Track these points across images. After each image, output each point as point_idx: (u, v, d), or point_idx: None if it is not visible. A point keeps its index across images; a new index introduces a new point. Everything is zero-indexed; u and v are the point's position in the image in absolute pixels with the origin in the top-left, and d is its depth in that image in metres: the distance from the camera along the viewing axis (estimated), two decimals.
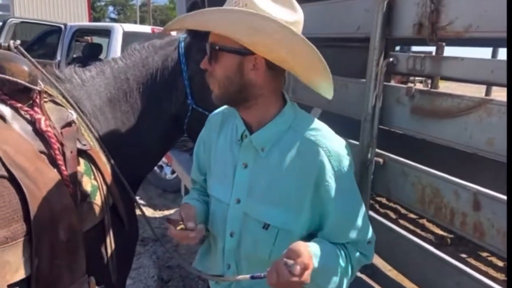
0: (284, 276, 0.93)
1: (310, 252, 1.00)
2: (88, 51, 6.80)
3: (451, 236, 2.56)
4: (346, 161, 1.11)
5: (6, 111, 1.30)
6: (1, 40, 5.95)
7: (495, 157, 1.16)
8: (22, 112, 1.33)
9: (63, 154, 1.34)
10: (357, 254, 1.15)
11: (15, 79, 1.30)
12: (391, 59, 1.52)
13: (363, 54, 1.63)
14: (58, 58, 6.46)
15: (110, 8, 39.77)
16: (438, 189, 1.36)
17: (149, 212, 4.53)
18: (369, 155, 1.57)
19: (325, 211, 1.11)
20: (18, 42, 1.43)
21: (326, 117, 1.53)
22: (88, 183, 1.40)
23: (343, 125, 1.50)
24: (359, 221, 1.13)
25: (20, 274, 1.16)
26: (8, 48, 1.41)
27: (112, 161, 1.55)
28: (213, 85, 1.14)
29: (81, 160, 1.41)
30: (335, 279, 1.09)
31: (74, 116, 1.44)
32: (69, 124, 1.41)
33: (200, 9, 1.07)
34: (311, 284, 1.05)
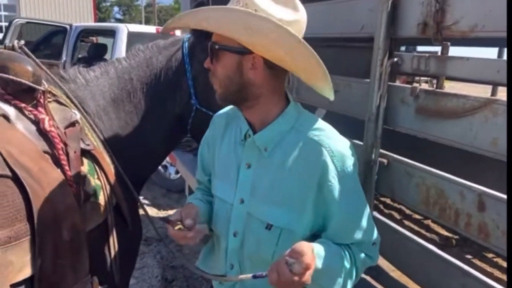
0: (284, 275, 0.93)
1: (314, 252, 1.00)
2: (93, 51, 6.82)
3: (456, 237, 2.55)
4: (349, 161, 1.11)
5: (10, 111, 1.30)
6: (7, 40, 5.99)
7: (500, 158, 1.15)
8: (26, 112, 1.33)
9: (67, 154, 1.34)
10: (362, 255, 1.14)
11: (19, 79, 1.31)
12: (395, 59, 1.51)
13: (367, 54, 1.62)
14: (64, 58, 6.48)
15: (116, 8, 39.94)
16: (442, 190, 1.35)
17: (153, 212, 4.54)
18: (373, 156, 1.56)
19: (329, 212, 1.11)
20: (23, 42, 1.44)
21: (330, 117, 1.52)
22: (91, 183, 1.41)
23: (347, 125, 1.50)
24: (364, 222, 1.13)
25: (23, 274, 1.16)
26: (13, 48, 1.41)
27: (116, 161, 1.55)
28: (215, 84, 1.14)
29: (85, 160, 1.41)
30: (339, 281, 1.08)
31: (77, 116, 1.45)
32: (72, 124, 1.41)
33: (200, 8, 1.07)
34: (315, 285, 1.05)
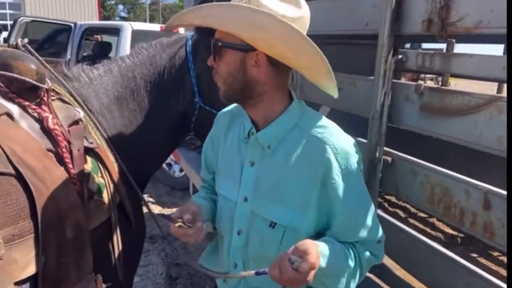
0: (287, 273, 0.93)
1: (318, 251, 0.99)
2: (98, 50, 6.84)
3: (461, 235, 2.53)
4: (353, 159, 1.10)
5: (14, 109, 1.30)
6: (12, 38, 6.02)
7: (506, 155, 1.14)
8: (30, 110, 1.33)
9: (70, 152, 1.34)
10: (367, 253, 1.13)
11: (22, 78, 1.31)
12: (400, 56, 1.50)
13: (371, 51, 1.61)
14: (68, 56, 6.50)
15: (120, 6, 40.01)
16: (447, 188, 1.34)
17: (157, 209, 4.55)
18: (377, 154, 1.55)
19: (333, 210, 1.10)
20: (26, 40, 1.44)
21: (334, 115, 1.52)
22: (95, 181, 1.41)
23: (351, 123, 1.49)
24: (368, 220, 1.12)
25: (28, 272, 1.16)
26: (16, 47, 1.41)
27: (119, 159, 1.55)
28: (218, 82, 1.14)
29: (88, 158, 1.41)
30: (343, 280, 1.08)
31: (81, 114, 1.45)
32: (76, 122, 1.41)
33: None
34: (319, 284, 1.04)
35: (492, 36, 1.31)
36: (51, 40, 7.12)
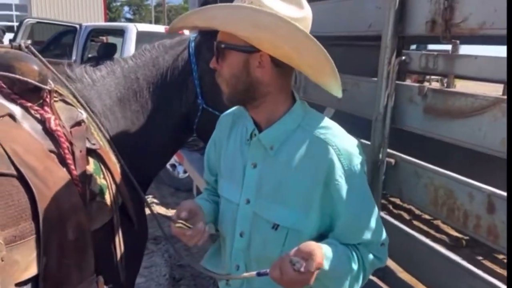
0: (288, 274, 0.93)
1: (322, 253, 0.99)
2: (103, 51, 6.85)
3: (466, 237, 2.51)
4: (356, 160, 1.09)
5: (17, 110, 1.31)
6: (18, 40, 6.05)
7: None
8: (32, 111, 1.34)
9: (73, 153, 1.34)
10: (370, 256, 1.12)
11: (25, 79, 1.31)
12: (403, 58, 1.49)
13: (375, 52, 1.60)
14: (74, 57, 6.52)
15: (126, 8, 40.15)
16: (451, 191, 1.33)
17: (161, 210, 4.56)
18: (380, 155, 1.55)
19: (336, 211, 1.10)
20: (29, 41, 1.45)
21: (337, 117, 1.51)
22: (97, 182, 1.41)
23: (354, 124, 1.48)
24: (371, 222, 1.11)
25: (29, 273, 1.16)
26: (19, 48, 1.42)
27: (122, 161, 1.55)
28: (222, 84, 1.13)
29: (91, 159, 1.41)
30: (346, 283, 1.07)
31: (83, 115, 1.45)
32: (78, 123, 1.41)
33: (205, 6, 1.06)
34: (321, 287, 1.04)
35: (497, 37, 1.30)
36: (57, 41, 7.16)
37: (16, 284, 1.13)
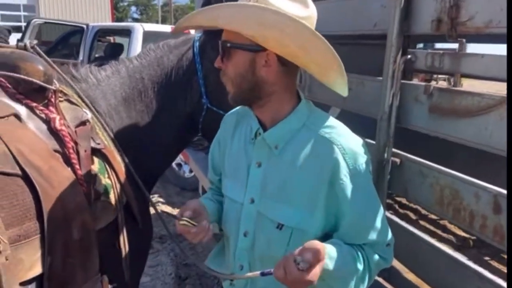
0: (291, 273, 0.92)
1: (325, 252, 0.98)
2: (110, 51, 6.89)
3: (474, 238, 2.49)
4: (361, 159, 1.09)
5: (22, 110, 1.31)
6: (25, 40, 6.09)
7: None
8: (37, 111, 1.34)
9: (77, 153, 1.35)
10: (376, 256, 1.11)
11: (30, 79, 1.32)
12: (408, 56, 1.48)
13: (380, 51, 1.59)
14: (81, 57, 6.56)
15: (133, 8, 40.31)
16: (457, 191, 1.31)
17: (167, 209, 4.57)
18: (385, 155, 1.53)
19: (341, 211, 1.09)
20: (35, 42, 1.45)
21: (343, 116, 1.50)
22: (102, 182, 1.41)
23: (359, 124, 1.47)
24: (377, 221, 1.10)
25: (33, 272, 1.17)
26: (25, 48, 1.42)
27: (127, 160, 1.55)
28: (227, 84, 1.13)
29: (95, 159, 1.42)
30: (351, 283, 1.06)
31: (88, 115, 1.45)
32: (83, 123, 1.42)
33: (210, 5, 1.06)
34: (326, 287, 1.03)
35: (504, 36, 1.28)
36: (64, 41, 7.20)
37: (21, 283, 1.14)
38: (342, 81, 1.09)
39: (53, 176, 1.24)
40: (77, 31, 6.82)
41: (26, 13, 17.59)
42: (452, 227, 2.70)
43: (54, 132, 1.33)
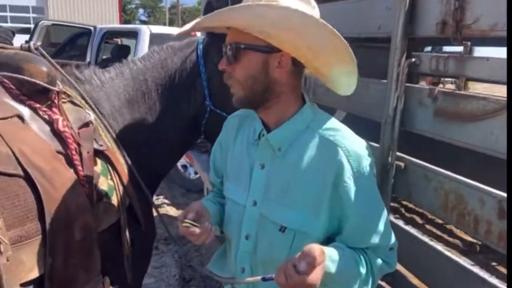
0: (292, 278, 0.91)
1: (326, 255, 0.97)
2: (117, 53, 6.92)
3: (480, 242, 2.46)
4: (366, 161, 1.08)
5: (25, 111, 1.32)
6: (33, 41, 6.14)
7: None
8: (41, 113, 1.35)
9: (80, 154, 1.35)
10: (379, 261, 1.10)
11: (33, 80, 1.32)
12: (413, 59, 1.47)
13: (385, 54, 1.58)
14: (88, 59, 6.60)
15: (141, 10, 40.56)
16: (461, 195, 1.30)
17: (172, 211, 4.57)
18: (389, 159, 1.52)
19: (344, 213, 1.08)
20: (38, 43, 1.46)
21: (346, 118, 1.49)
22: (104, 183, 1.41)
23: (363, 127, 1.46)
24: (380, 225, 1.09)
25: (34, 273, 1.17)
26: (29, 49, 1.43)
27: (130, 162, 1.55)
28: (235, 87, 1.10)
29: (98, 161, 1.42)
30: (354, 287, 1.05)
31: (91, 116, 1.45)
32: (86, 124, 1.42)
33: (219, 9, 1.03)
34: None
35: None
36: (72, 43, 7.25)
37: (22, 284, 1.14)
38: (350, 76, 1.10)
39: (55, 177, 1.24)
40: (85, 33, 6.86)
41: (35, 15, 17.73)
42: (458, 232, 2.67)
43: (57, 134, 1.33)
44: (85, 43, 6.76)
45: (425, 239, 1.48)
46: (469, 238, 2.55)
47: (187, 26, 1.16)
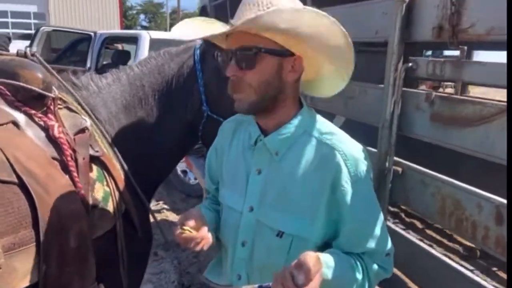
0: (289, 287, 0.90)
1: (321, 261, 0.97)
2: (117, 58, 6.93)
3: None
4: (363, 165, 1.07)
5: (20, 117, 1.32)
6: (34, 47, 6.16)
7: None
8: (36, 119, 1.34)
9: (76, 160, 1.35)
10: (375, 266, 1.10)
11: (29, 86, 1.32)
12: (410, 64, 1.46)
13: (382, 59, 1.58)
14: (88, 65, 6.61)
15: (142, 16, 40.68)
16: (459, 201, 1.29)
17: (172, 216, 4.56)
18: (387, 164, 1.51)
19: (341, 217, 1.08)
20: (35, 49, 1.46)
21: (346, 124, 1.49)
22: (100, 190, 1.41)
23: (361, 132, 1.46)
24: (377, 229, 1.09)
25: (27, 281, 1.16)
26: (25, 56, 1.43)
27: (126, 168, 1.55)
28: (245, 91, 1.06)
29: (94, 167, 1.42)
30: None
31: (87, 122, 1.45)
32: (82, 130, 1.42)
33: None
34: None
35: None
36: (73, 49, 7.27)
37: None
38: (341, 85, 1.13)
39: (50, 184, 1.24)
40: (85, 39, 6.88)
41: (36, 21, 17.78)
42: (458, 237, 2.65)
43: (52, 140, 1.33)
44: (85, 49, 6.78)
45: (422, 244, 1.47)
46: (469, 243, 2.54)
47: (238, 26, 1.02)
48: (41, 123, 1.35)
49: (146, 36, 6.19)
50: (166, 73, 1.72)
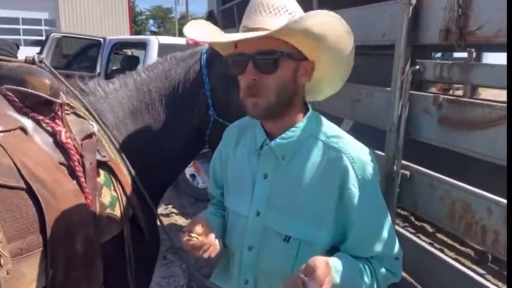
0: None
1: (330, 265, 0.96)
2: (126, 64, 6.99)
3: None
4: (370, 168, 1.06)
5: (28, 123, 1.33)
6: (44, 53, 6.23)
7: None
8: (44, 125, 1.35)
9: (83, 166, 1.35)
10: (383, 270, 1.09)
11: (36, 92, 1.33)
12: (417, 67, 1.45)
13: (389, 61, 1.57)
14: (98, 70, 6.67)
15: (151, 21, 40.95)
16: (468, 205, 1.27)
17: (181, 220, 4.56)
18: (395, 167, 1.50)
19: (349, 221, 1.07)
20: (43, 56, 1.47)
21: (354, 127, 1.48)
22: (107, 195, 1.41)
23: (368, 135, 1.45)
24: (385, 233, 1.07)
25: (35, 286, 1.17)
26: (33, 62, 1.44)
27: (133, 172, 1.55)
28: (263, 95, 1.04)
29: (101, 172, 1.42)
30: None
31: (95, 128, 1.46)
32: (89, 136, 1.42)
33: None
34: None
35: None
36: (82, 54, 7.35)
37: None
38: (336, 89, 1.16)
39: (57, 189, 1.24)
40: (95, 45, 6.95)
41: (47, 28, 17.99)
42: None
43: (60, 145, 1.34)
44: (95, 55, 6.85)
45: (431, 248, 1.45)
46: (481, 248, 2.50)
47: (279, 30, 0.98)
48: (49, 128, 1.36)
49: (154, 42, 6.23)
50: (173, 78, 1.73)
